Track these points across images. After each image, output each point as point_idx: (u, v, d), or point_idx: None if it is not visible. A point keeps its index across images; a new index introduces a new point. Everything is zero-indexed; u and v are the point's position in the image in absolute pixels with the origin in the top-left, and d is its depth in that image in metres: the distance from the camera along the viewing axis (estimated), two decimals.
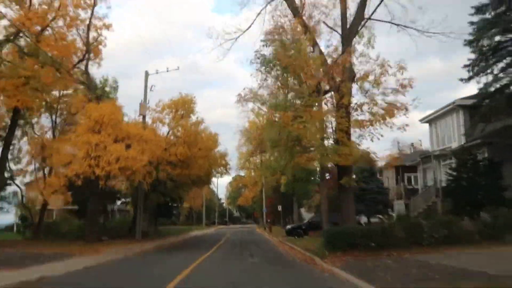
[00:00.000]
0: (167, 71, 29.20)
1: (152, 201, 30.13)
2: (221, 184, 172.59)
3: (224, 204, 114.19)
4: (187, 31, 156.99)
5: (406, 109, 13.85)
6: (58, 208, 33.81)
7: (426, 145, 41.51)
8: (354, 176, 15.40)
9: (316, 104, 14.24)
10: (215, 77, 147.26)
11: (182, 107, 23.60)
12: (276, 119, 15.72)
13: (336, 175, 52.80)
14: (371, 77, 13.95)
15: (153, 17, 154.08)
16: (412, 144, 48.68)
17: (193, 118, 23.80)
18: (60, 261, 14.51)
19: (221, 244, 23.68)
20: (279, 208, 47.97)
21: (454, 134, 24.27)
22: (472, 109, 22.84)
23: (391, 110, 13.86)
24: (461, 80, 20.85)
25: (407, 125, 14.46)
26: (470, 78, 19.88)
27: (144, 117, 26.21)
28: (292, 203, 50.28)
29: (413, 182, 33.14)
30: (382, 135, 14.73)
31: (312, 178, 58.04)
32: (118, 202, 36.42)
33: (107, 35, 22.92)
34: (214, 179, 63.55)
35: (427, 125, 27.86)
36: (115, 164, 17.92)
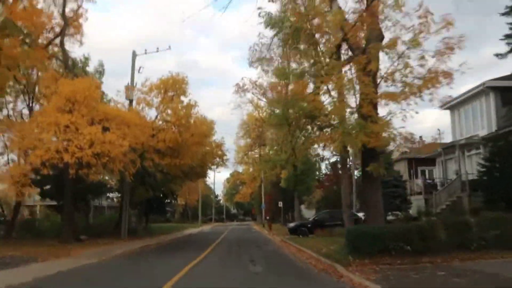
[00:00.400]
0: (157, 51, 26.25)
1: (141, 196, 27.10)
2: (218, 181, 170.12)
3: (221, 201, 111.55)
4: (185, 30, 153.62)
5: (451, 77, 10.88)
6: (26, 202, 30.72)
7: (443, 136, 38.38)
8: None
9: (335, 72, 11.19)
10: (214, 76, 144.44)
11: (172, 87, 20.52)
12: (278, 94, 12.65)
13: (337, 168, 49.33)
14: (407, 36, 10.96)
15: (152, 15, 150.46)
16: (420, 138, 45.64)
17: (185, 100, 20.75)
18: (11, 268, 11.51)
19: (216, 245, 20.70)
20: (280, 204, 44.90)
21: (483, 120, 21.31)
22: (506, 91, 19.99)
23: (432, 78, 10.87)
24: (497, 55, 18.04)
25: (450, 96, 11.52)
26: (510, 51, 17.02)
27: (131, 101, 23.17)
28: (292, 199, 47.42)
29: (427, 176, 30.28)
30: (417, 112, 11.79)
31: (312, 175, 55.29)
32: (104, 197, 33.18)
33: (91, 10, 19.78)
34: (209, 174, 60.79)
35: (436, 117, 24.93)
36: (88, 149, 14.87)
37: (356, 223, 24.52)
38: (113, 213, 42.87)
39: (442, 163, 24.72)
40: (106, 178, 30.50)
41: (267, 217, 58.37)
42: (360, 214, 26.39)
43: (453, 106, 24.03)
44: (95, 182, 26.96)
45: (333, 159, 57.14)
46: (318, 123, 11.90)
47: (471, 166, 22.26)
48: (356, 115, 11.41)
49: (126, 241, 22.61)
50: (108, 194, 30.25)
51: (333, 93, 12.05)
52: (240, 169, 70.90)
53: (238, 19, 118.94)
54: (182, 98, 20.79)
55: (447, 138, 28.97)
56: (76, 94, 16.14)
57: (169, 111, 20.02)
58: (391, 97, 11.26)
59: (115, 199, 36.12)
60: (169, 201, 42.97)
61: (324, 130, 11.85)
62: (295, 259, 13.12)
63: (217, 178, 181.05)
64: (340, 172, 55.77)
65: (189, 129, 19.85)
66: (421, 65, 11.17)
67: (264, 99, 48.36)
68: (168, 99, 20.34)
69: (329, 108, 11.77)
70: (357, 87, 11.66)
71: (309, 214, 57.89)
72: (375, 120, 10.69)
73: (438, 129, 45.79)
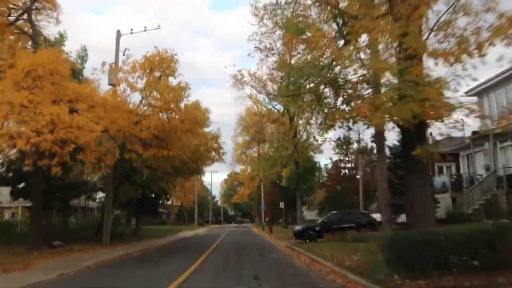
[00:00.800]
0: (145, 30, 23.30)
1: (126, 195, 24.03)
2: (215, 182, 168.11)
3: (218, 202, 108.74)
4: (183, 30, 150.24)
5: None
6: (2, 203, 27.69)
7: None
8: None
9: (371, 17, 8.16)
10: (211, 76, 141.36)
11: (159, 66, 17.46)
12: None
13: (339, 167, 46.20)
14: None
15: (150, 16, 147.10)
16: (430, 134, 42.50)
17: (175, 82, 17.69)
18: None
19: (211, 251, 17.66)
20: (281, 205, 41.85)
21: None
22: None
23: (503, 27, 7.88)
24: None
25: None
26: None
27: (114, 86, 20.06)
28: (293, 200, 44.64)
29: (445, 173, 27.28)
30: (475, 79, 8.83)
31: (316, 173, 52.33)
32: (86, 196, 29.82)
33: None
34: (206, 172, 57.95)
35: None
36: (47, 133, 11.79)
37: (370, 226, 21.59)
38: (101, 215, 39.76)
39: (468, 157, 21.71)
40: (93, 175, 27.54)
41: (266, 219, 55.33)
42: (377, 216, 23.38)
43: (481, 91, 21.10)
44: (75, 180, 24.06)
45: (335, 158, 54.63)
46: (344, 93, 8.86)
47: (506, 160, 19.35)
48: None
49: (107, 247, 19.55)
50: (92, 194, 26.92)
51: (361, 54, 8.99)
52: (238, 169, 68.05)
53: (235, 19, 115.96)
54: (171, 79, 17.75)
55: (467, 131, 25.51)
56: (38, 68, 13.08)
57: (155, 93, 16.88)
58: (446, 55, 8.22)
59: (97, 200, 32.81)
60: (161, 201, 39.86)
61: (354, 103, 8.79)
62: (312, 275, 10.05)
63: (215, 179, 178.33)
64: (336, 169, 52.79)
65: (178, 114, 16.81)
66: (488, 9, 8.14)
67: (264, 93, 45.70)
68: (154, 80, 17.26)
69: (359, 73, 8.73)
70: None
71: (309, 215, 54.88)
72: (427, 82, 7.66)
73: (462, 119, 42.47)
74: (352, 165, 54.38)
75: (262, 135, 46.59)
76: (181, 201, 66.42)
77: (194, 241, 26.45)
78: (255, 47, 43.01)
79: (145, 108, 17.37)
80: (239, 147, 53.90)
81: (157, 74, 17.76)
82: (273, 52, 43.61)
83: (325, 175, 58.07)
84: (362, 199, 38.70)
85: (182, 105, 17.26)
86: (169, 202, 65.58)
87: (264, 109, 46.72)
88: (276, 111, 46.48)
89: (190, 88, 17.54)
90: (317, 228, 21.80)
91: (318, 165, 55.25)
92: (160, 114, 17.00)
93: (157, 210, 38.47)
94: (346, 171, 54.79)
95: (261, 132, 46.35)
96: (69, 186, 23.05)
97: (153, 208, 35.53)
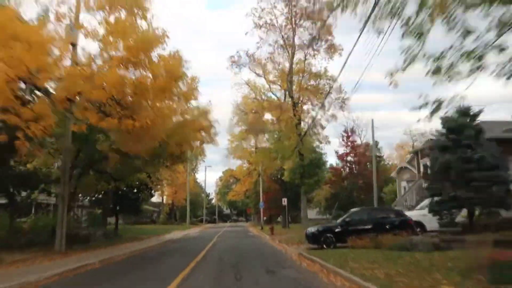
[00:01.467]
0: None
1: (90, 188, 18.84)
2: (211, 181, 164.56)
3: (213, 201, 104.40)
4: (180, 30, 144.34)
5: None
6: None
7: None
8: None
9: None
10: (208, 76, 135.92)
11: (124, 5, 12.37)
12: None
13: (345, 161, 41.36)
14: None
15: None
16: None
17: (145, 26, 12.51)
18: None
19: (198, 264, 12.57)
20: (284, 201, 37.01)
21: None
22: None
23: None
24: None
25: None
26: None
27: (74, 45, 14.86)
28: (295, 197, 39.85)
29: None
30: None
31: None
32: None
33: None
34: (197, 164, 53.05)
35: None
36: None
37: (402, 228, 16.74)
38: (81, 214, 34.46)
39: None
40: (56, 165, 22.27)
41: (264, 218, 50.65)
42: (412, 214, 18.49)
43: None
44: (25, 169, 18.91)
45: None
46: None
47: None
48: None
49: (57, 256, 14.40)
50: (46, 187, 21.34)
51: None
52: (234, 166, 63.17)
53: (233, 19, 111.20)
54: (142, 23, 12.59)
55: None
56: None
57: (118, 41, 11.66)
58: None
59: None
60: (146, 198, 34.74)
61: None
62: None
63: (209, 179, 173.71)
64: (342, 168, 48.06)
65: (149, 68, 11.64)
66: None
67: (263, 76, 40.59)
68: (118, 25, 12.08)
69: None
70: None
71: (310, 214, 49.90)
72: None
73: None
74: (357, 159, 50.03)
75: (261, 123, 41.49)
76: (172, 198, 61.42)
77: (179, 246, 21.30)
78: (254, 23, 38.14)
79: (100, 63, 12.12)
80: (236, 139, 48.83)
81: (122, 15, 12.59)
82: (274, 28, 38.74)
83: (328, 168, 53.48)
84: (376, 196, 33.77)
85: (155, 56, 12.08)
86: (159, 200, 60.59)
87: (263, 97, 41.88)
88: (276, 98, 41.61)
89: (168, 37, 12.40)
90: (337, 230, 16.78)
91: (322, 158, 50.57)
92: (122, 71, 11.79)
93: (139, 208, 33.24)
94: (350, 165, 50.58)
95: (260, 120, 41.27)
96: (17, 176, 17.93)
97: (134, 205, 30.36)
